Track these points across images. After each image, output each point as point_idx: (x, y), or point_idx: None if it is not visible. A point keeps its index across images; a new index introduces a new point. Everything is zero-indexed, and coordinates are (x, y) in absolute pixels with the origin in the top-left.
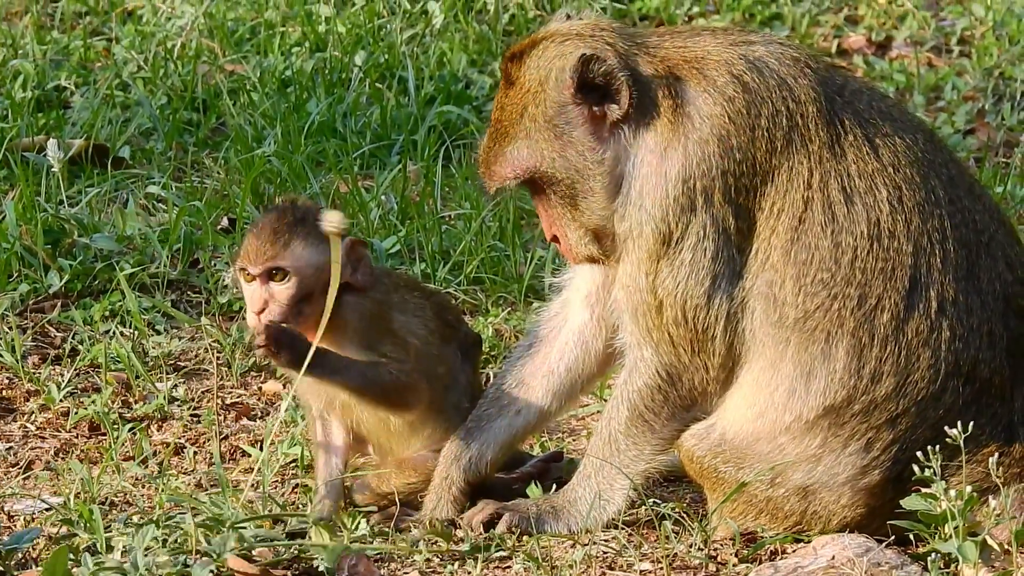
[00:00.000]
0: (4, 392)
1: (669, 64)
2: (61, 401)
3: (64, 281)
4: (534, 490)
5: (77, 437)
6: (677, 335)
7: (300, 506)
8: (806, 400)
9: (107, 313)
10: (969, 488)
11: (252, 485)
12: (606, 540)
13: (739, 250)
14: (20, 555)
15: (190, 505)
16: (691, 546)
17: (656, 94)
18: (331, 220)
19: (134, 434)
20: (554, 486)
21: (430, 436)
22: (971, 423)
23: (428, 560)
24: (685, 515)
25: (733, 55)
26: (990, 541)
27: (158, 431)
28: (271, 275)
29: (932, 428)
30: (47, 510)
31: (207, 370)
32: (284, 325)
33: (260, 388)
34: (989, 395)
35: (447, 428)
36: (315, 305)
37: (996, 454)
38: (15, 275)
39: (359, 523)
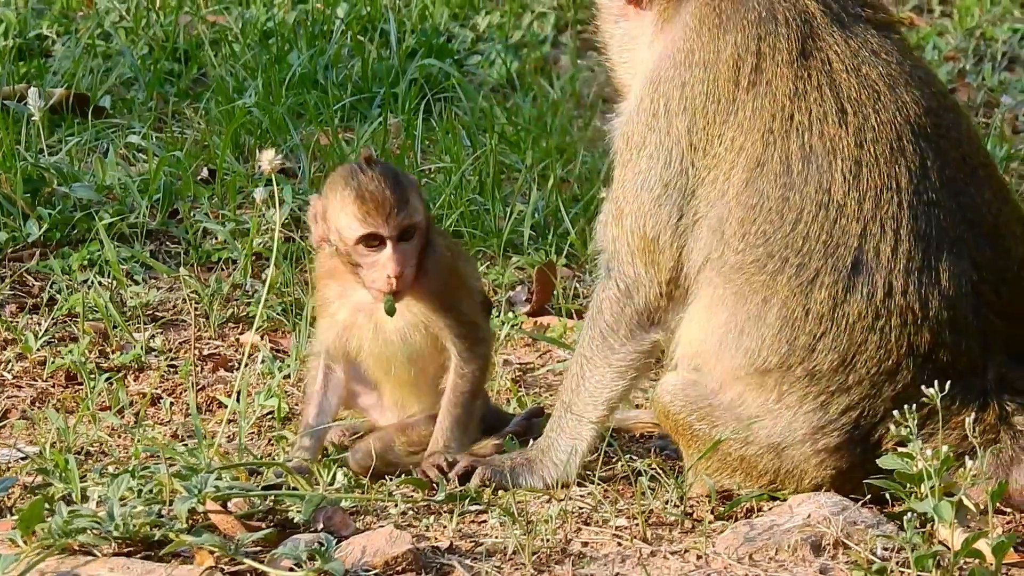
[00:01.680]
0: None
1: None
2: (38, 350)
3: (43, 230)
4: (510, 445)
5: (54, 386)
6: (632, 243)
7: (276, 458)
8: (736, 355)
9: (85, 263)
10: (945, 448)
11: (228, 437)
12: (582, 496)
13: (694, 166)
14: None
15: (165, 455)
16: (667, 503)
17: None
18: (267, 159)
19: (111, 384)
20: (531, 443)
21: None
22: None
23: (404, 513)
24: (661, 471)
25: None
26: (966, 501)
27: (135, 381)
28: (403, 234)
29: (892, 401)
30: (23, 459)
31: (185, 321)
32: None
33: (237, 339)
34: (955, 371)
35: None
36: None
37: (971, 416)
38: None
39: (335, 474)
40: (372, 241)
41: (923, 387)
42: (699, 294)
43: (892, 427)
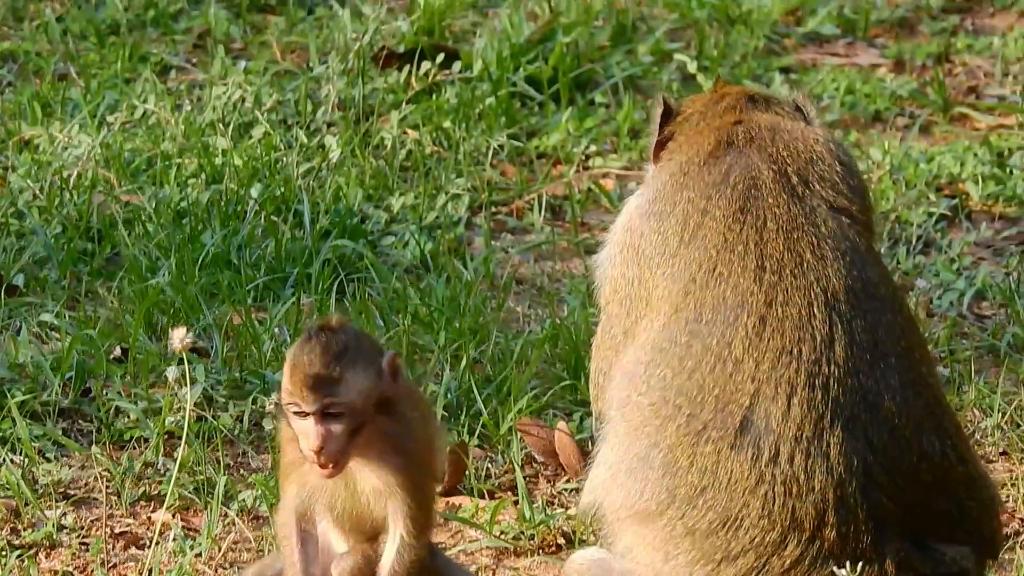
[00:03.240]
0: None
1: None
2: None
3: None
4: None
5: None
6: (593, 383)
7: None
8: (621, 493)
9: None
10: None
11: None
12: None
13: (628, 312)
14: None
15: None
16: None
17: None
18: (178, 337)
19: (22, 561)
20: None
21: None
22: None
23: None
24: None
25: (719, 133)
26: None
27: (47, 559)
28: (327, 413)
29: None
30: None
31: (96, 499)
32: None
33: (149, 518)
34: (844, 553)
35: None
36: (366, 428)
37: None
38: None
39: None
40: (299, 412)
41: (835, 568)
42: (607, 433)
43: None
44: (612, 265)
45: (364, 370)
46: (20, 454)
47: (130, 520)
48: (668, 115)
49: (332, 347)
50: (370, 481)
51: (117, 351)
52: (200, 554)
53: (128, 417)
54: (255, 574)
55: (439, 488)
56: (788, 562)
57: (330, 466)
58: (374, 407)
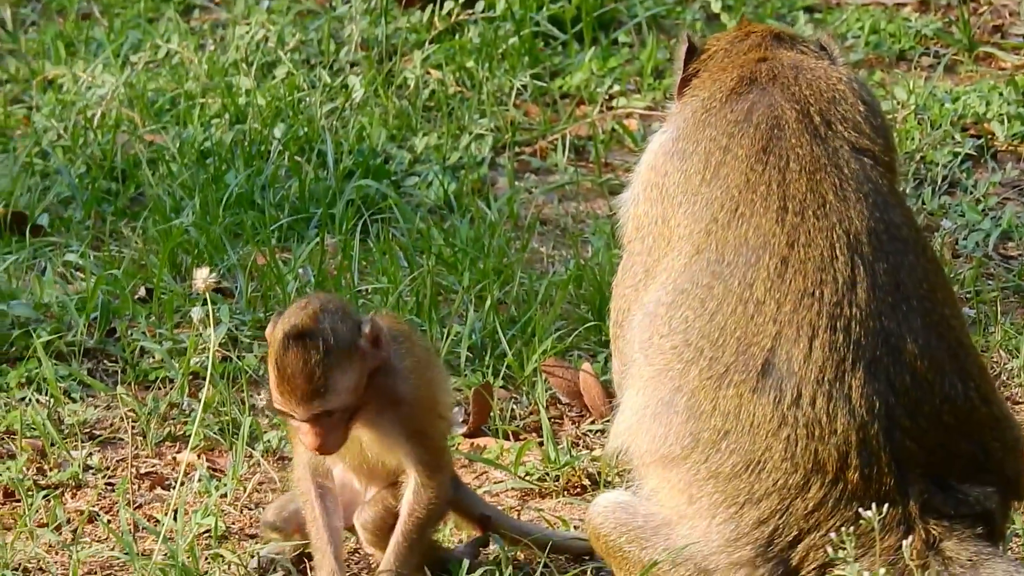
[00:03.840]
0: None
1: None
2: None
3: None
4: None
5: None
6: (613, 320)
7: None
8: (646, 438)
9: (23, 380)
10: (883, 571)
11: (164, 555)
12: None
13: (658, 255)
14: None
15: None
16: None
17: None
18: (201, 277)
19: (48, 501)
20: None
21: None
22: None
23: None
24: None
25: (742, 70)
26: None
27: (72, 499)
28: (319, 416)
29: (805, 520)
30: None
31: (122, 439)
32: None
33: (174, 458)
34: (868, 494)
35: None
36: (362, 411)
37: (907, 539)
38: None
39: None
40: (292, 418)
41: (859, 509)
42: (631, 376)
43: (813, 553)
44: (635, 204)
45: (349, 366)
46: (46, 394)
47: (155, 460)
48: (692, 53)
49: (312, 356)
50: (374, 437)
51: (142, 291)
52: (225, 494)
53: (153, 357)
54: (276, 509)
55: (454, 427)
56: (811, 504)
57: (328, 454)
58: (365, 385)
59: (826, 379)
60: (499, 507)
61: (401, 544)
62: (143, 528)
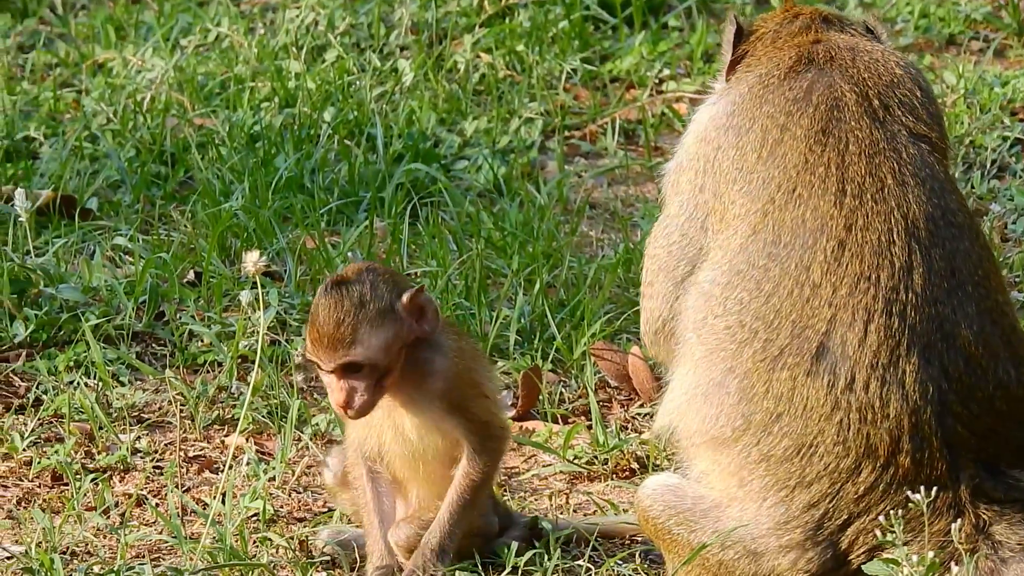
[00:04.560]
0: None
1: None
2: (24, 450)
3: (29, 331)
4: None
5: (39, 486)
6: (644, 276)
7: (260, 560)
8: (696, 418)
9: (72, 364)
10: (931, 553)
11: (212, 539)
12: None
13: (712, 229)
14: None
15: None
16: None
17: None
18: (251, 260)
19: (96, 485)
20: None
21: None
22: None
23: None
24: None
25: (799, 49)
26: None
27: (120, 482)
28: (346, 369)
29: (855, 504)
30: (8, 559)
31: (170, 422)
32: None
33: (223, 441)
34: (919, 479)
35: None
36: (394, 375)
37: (955, 522)
38: None
39: None
40: (320, 367)
41: (909, 493)
42: (683, 355)
43: (863, 537)
44: (679, 171)
45: (380, 324)
46: (94, 378)
47: (204, 444)
48: (740, 35)
49: (345, 304)
50: (414, 413)
51: (190, 275)
52: (273, 478)
53: (201, 341)
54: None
55: (503, 410)
56: (862, 488)
57: (356, 416)
58: (400, 352)
59: (880, 364)
60: (547, 491)
61: (455, 503)
62: (191, 511)
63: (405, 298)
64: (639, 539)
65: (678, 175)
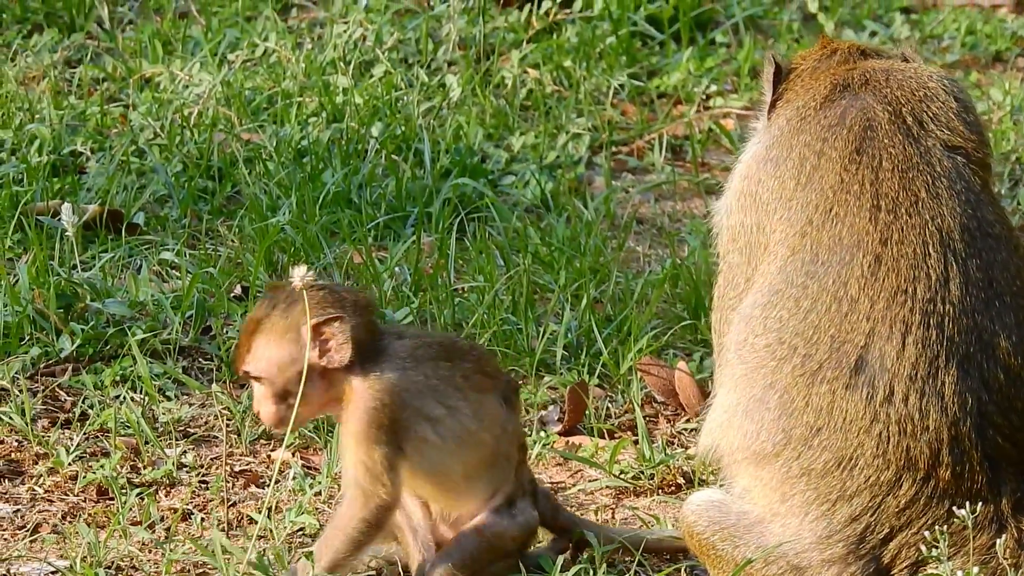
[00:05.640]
0: (13, 455)
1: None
2: (70, 465)
3: (76, 345)
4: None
5: (85, 501)
6: (715, 329)
7: None
8: (738, 435)
9: (118, 378)
10: (976, 569)
11: (259, 553)
12: None
13: (750, 263)
14: None
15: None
16: None
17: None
18: (299, 274)
19: (142, 499)
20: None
21: (484, 490)
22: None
23: None
24: None
25: (835, 78)
26: None
27: (166, 497)
28: (253, 378)
29: (896, 517)
30: (53, 573)
31: (216, 437)
32: None
33: (269, 456)
34: (960, 492)
35: (501, 479)
36: (306, 394)
37: (1000, 538)
38: (27, 338)
39: None
40: None
41: (953, 508)
42: (724, 376)
43: (905, 551)
44: (729, 214)
45: (278, 343)
46: (140, 392)
47: (250, 458)
48: (779, 74)
49: (256, 315)
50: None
51: (237, 289)
52: (319, 492)
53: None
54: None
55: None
56: (903, 501)
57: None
58: (300, 376)
59: (919, 376)
60: (593, 506)
61: (320, 544)
62: (237, 526)
63: (310, 324)
64: (686, 555)
65: (728, 218)
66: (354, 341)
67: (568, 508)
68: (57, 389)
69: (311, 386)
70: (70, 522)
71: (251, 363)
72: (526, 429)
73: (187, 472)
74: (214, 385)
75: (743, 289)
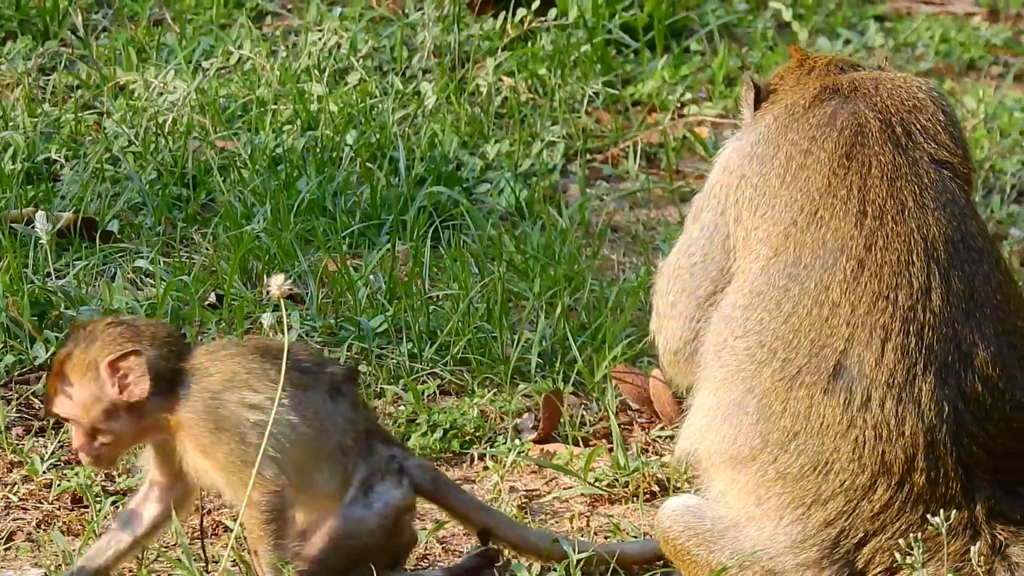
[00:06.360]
0: None
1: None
2: (44, 473)
3: (50, 353)
4: None
5: (59, 509)
6: (657, 301)
7: None
8: (715, 438)
9: None
10: None
11: (233, 561)
12: None
13: (733, 253)
14: None
15: None
16: None
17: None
18: (276, 283)
19: (116, 507)
20: None
21: (328, 484)
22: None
23: None
24: None
25: (824, 82)
26: None
27: None
28: (61, 417)
29: (870, 522)
30: None
31: None
32: None
33: None
34: (934, 498)
35: (340, 471)
36: (115, 430)
37: (974, 545)
38: (1, 346)
39: None
40: None
41: (928, 515)
42: (703, 379)
43: (880, 556)
44: (705, 200)
45: (79, 382)
46: None
47: None
48: (759, 96)
49: (59, 356)
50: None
51: (212, 297)
52: None
53: None
54: None
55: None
56: (877, 506)
57: (85, 462)
58: (107, 413)
59: (896, 382)
60: (568, 514)
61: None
62: (211, 535)
63: (106, 361)
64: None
65: (703, 202)
66: (153, 372)
67: (542, 516)
68: (31, 397)
69: (118, 422)
70: (44, 530)
71: (58, 405)
72: (500, 437)
73: None
74: None
75: (717, 278)
